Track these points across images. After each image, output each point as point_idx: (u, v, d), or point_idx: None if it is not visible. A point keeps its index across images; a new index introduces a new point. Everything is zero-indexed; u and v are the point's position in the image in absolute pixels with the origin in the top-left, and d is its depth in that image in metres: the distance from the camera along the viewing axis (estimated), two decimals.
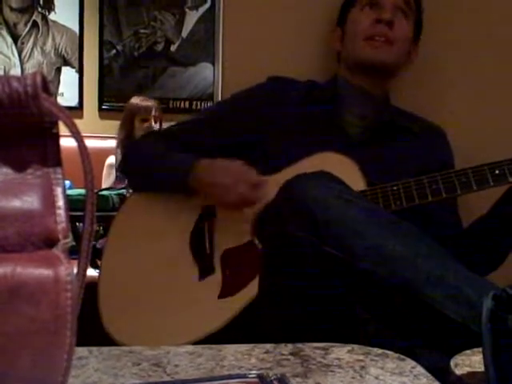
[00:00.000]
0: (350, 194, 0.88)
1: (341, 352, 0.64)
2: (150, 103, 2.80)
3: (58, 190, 0.35)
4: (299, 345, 0.65)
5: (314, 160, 1.11)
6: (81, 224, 2.14)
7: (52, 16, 3.40)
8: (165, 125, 2.64)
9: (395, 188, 1.06)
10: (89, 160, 0.34)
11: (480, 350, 0.56)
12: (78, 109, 3.38)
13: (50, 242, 0.34)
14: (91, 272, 1.68)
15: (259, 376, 0.52)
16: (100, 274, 1.20)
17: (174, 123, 1.34)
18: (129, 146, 1.59)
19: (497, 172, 1.03)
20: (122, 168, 1.45)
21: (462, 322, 0.75)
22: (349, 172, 1.00)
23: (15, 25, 3.37)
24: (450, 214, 1.22)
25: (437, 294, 0.77)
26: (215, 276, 1.12)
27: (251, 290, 1.04)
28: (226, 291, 1.09)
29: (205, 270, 1.13)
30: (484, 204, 1.13)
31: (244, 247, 1.12)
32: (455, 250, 1.07)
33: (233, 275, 1.10)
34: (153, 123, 2.75)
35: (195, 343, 1.02)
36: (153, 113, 2.77)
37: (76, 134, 0.34)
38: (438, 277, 0.78)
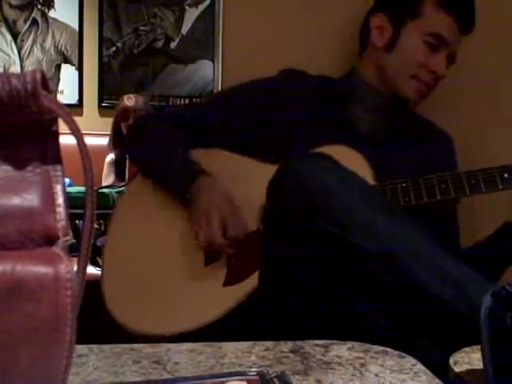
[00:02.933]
0: (344, 171, 0.89)
1: (341, 349, 0.64)
2: (128, 104, 2.72)
3: (58, 188, 0.35)
4: (299, 342, 0.66)
5: (322, 151, 1.11)
6: (81, 222, 2.14)
7: (52, 13, 3.39)
8: None
9: (404, 185, 1.07)
10: (88, 157, 0.34)
11: (479, 347, 0.56)
12: (78, 106, 3.37)
13: (50, 239, 0.34)
14: (91, 270, 1.68)
15: (259, 373, 0.52)
16: (103, 258, 1.19)
17: (186, 104, 1.32)
18: (137, 124, 1.56)
19: (506, 176, 1.04)
20: (126, 149, 1.43)
21: (449, 301, 0.75)
22: (358, 165, 1.00)
23: (15, 22, 3.36)
24: (448, 226, 1.23)
25: (424, 273, 0.78)
26: (220, 263, 1.11)
27: (256, 279, 1.03)
28: (231, 279, 1.09)
29: (210, 257, 1.13)
30: (488, 210, 1.13)
31: (250, 235, 1.12)
32: None
33: (238, 264, 1.10)
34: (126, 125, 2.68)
35: (200, 329, 1.03)
36: (132, 114, 2.67)
37: (76, 132, 0.34)
38: (426, 257, 0.79)
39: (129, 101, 2.76)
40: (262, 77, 1.28)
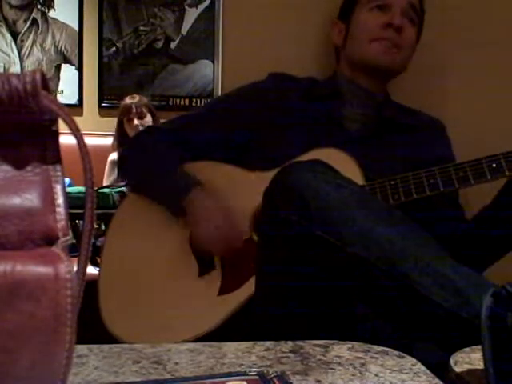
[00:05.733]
0: (341, 179, 0.89)
1: (341, 349, 0.64)
2: (130, 101, 2.78)
3: (58, 188, 0.35)
4: (299, 342, 0.66)
5: (313, 155, 1.11)
6: (81, 222, 2.14)
7: (51, 13, 3.39)
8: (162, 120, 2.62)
9: (393, 182, 1.07)
10: (88, 158, 0.34)
11: (480, 347, 0.56)
12: (78, 106, 3.37)
13: (50, 239, 0.34)
14: (91, 270, 1.68)
15: (259, 374, 0.52)
16: (100, 270, 1.20)
17: (174, 117, 1.33)
18: (127, 145, 1.59)
19: (494, 165, 1.03)
20: (120, 168, 1.44)
21: (449, 308, 0.75)
22: (347, 167, 1.01)
23: (14, 22, 3.36)
24: (452, 207, 1.23)
25: (424, 280, 0.78)
26: (215, 273, 1.12)
27: (251, 286, 1.04)
28: (226, 288, 1.09)
29: (204, 267, 1.13)
30: (482, 198, 1.13)
31: (243, 244, 1.12)
32: (460, 242, 1.08)
33: (232, 272, 1.11)
34: (135, 121, 2.73)
35: (195, 340, 1.02)
36: (133, 110, 2.74)
37: (75, 132, 0.34)
38: (426, 263, 0.78)
39: (131, 99, 2.80)
40: (258, 79, 1.28)
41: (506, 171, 1.02)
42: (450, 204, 1.22)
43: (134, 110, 2.75)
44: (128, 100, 2.81)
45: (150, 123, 2.76)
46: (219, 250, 1.12)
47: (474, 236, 1.12)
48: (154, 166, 1.23)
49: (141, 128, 2.69)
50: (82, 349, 0.61)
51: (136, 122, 2.73)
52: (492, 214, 1.10)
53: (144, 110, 2.77)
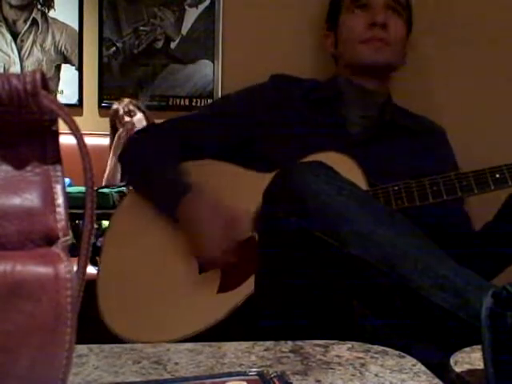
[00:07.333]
0: (342, 181, 0.89)
1: (341, 349, 0.64)
2: (116, 106, 2.84)
3: (58, 188, 0.35)
4: (299, 342, 0.66)
5: (315, 158, 1.11)
6: (81, 222, 2.14)
7: (51, 13, 3.39)
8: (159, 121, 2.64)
9: (396, 188, 1.07)
10: (88, 158, 0.34)
11: (480, 347, 0.56)
12: (78, 106, 3.37)
13: (50, 239, 0.34)
14: (91, 269, 1.68)
15: (259, 374, 0.52)
16: (99, 268, 1.20)
17: (175, 117, 1.33)
18: (127, 142, 1.59)
19: (497, 176, 1.05)
20: (121, 161, 1.44)
21: (449, 309, 0.75)
22: (350, 172, 1.00)
23: (14, 22, 3.36)
24: (456, 214, 1.23)
25: (424, 281, 0.77)
26: (214, 271, 1.12)
27: (250, 285, 1.04)
28: (225, 286, 1.09)
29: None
30: (485, 207, 1.13)
31: (244, 243, 1.12)
32: (467, 250, 1.08)
33: (232, 270, 1.11)
34: (126, 118, 2.77)
35: (194, 337, 1.03)
36: (120, 112, 2.79)
37: (75, 132, 0.34)
38: (426, 264, 0.78)
39: (120, 103, 2.86)
40: (259, 79, 1.28)
41: (509, 181, 1.04)
42: (454, 211, 1.22)
43: (122, 111, 2.80)
44: (115, 105, 2.87)
45: (143, 120, 2.79)
46: (217, 259, 1.10)
47: (479, 249, 1.12)
48: (152, 164, 1.22)
49: (132, 125, 2.76)
50: (82, 349, 0.61)
51: (126, 118, 2.78)
52: (496, 228, 1.10)
53: (131, 107, 2.82)
